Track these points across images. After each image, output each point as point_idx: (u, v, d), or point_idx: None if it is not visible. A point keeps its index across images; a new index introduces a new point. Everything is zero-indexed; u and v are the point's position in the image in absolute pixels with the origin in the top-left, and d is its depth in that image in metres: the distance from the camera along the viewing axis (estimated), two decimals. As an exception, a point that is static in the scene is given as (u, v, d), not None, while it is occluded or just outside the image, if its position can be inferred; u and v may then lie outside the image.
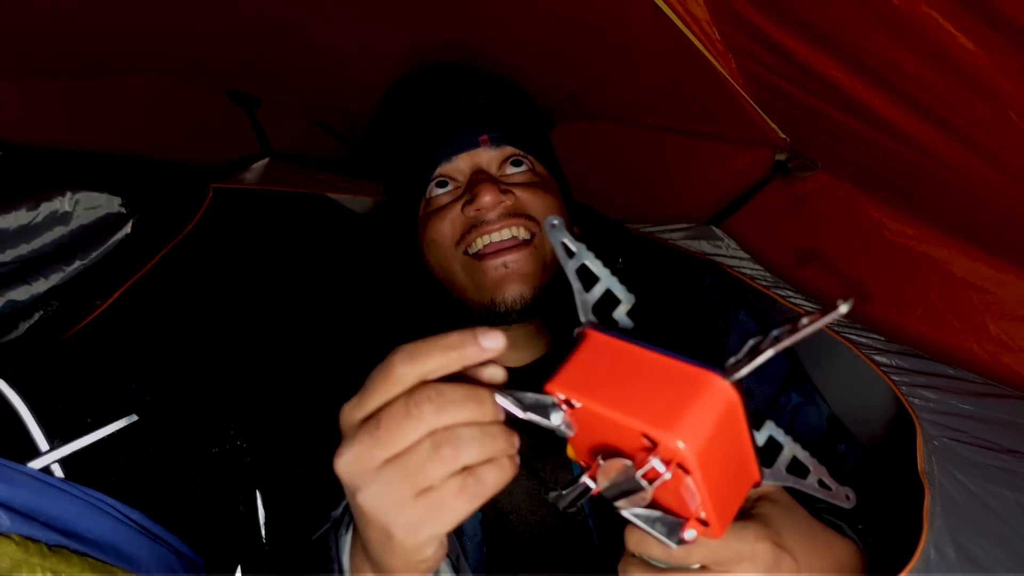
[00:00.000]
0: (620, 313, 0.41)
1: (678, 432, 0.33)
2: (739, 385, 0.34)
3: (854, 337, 0.76)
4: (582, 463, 0.41)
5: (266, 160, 1.25)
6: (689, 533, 0.36)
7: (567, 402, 0.38)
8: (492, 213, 0.72)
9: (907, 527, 0.52)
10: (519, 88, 0.97)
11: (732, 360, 0.35)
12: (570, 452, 0.42)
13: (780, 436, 0.39)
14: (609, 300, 0.41)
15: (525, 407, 0.38)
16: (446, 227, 0.74)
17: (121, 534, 0.53)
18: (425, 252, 0.78)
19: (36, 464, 0.55)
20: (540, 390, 0.76)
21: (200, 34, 0.94)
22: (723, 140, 0.91)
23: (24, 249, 0.84)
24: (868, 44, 0.50)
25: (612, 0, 0.73)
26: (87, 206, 0.91)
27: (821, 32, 0.54)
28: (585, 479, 0.38)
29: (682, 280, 0.83)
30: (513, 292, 0.71)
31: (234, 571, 0.75)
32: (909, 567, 0.48)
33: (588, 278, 0.41)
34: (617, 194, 1.15)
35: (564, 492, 0.40)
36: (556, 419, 0.38)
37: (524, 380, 0.78)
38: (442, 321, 0.79)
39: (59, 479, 0.53)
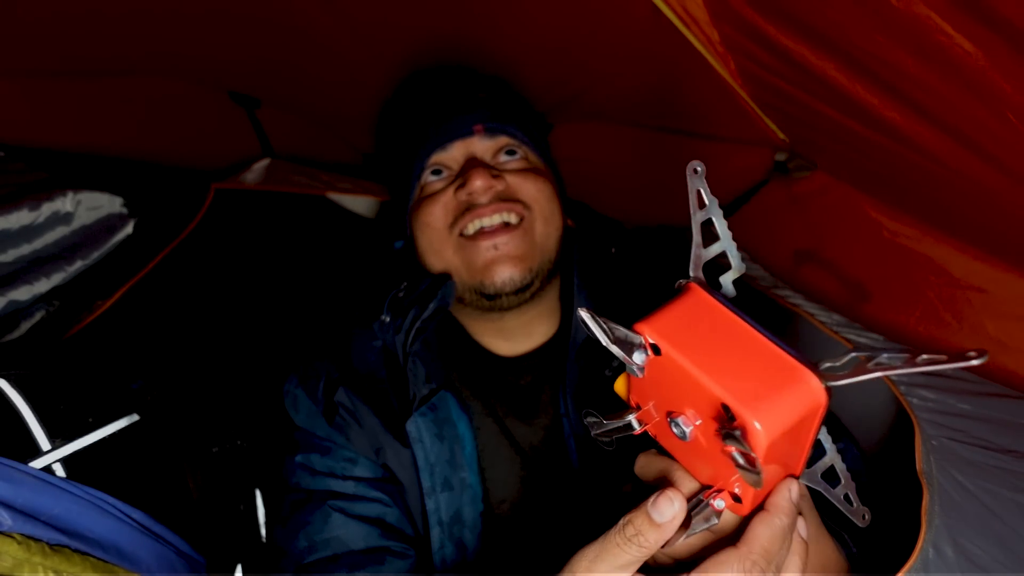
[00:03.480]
0: (727, 279, 0.40)
1: (761, 416, 0.33)
2: (830, 391, 0.34)
3: (853, 337, 0.76)
4: (632, 404, 0.41)
5: (267, 160, 1.25)
6: (719, 503, 0.37)
7: (653, 347, 0.37)
8: (483, 197, 0.73)
9: (906, 527, 0.52)
10: (514, 89, 0.97)
11: (828, 364, 0.35)
12: (620, 388, 0.42)
13: (827, 444, 0.39)
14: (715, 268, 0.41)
15: (613, 338, 0.37)
16: (438, 210, 0.75)
17: (122, 533, 0.54)
18: (417, 238, 0.78)
19: (37, 463, 0.55)
20: (542, 376, 0.77)
21: (201, 35, 0.94)
22: (723, 140, 0.91)
23: (26, 249, 0.84)
24: (867, 45, 0.51)
25: (612, 1, 0.73)
26: (89, 206, 0.92)
27: (820, 33, 0.54)
28: (632, 418, 0.39)
29: (675, 273, 0.83)
30: (503, 274, 0.71)
31: (234, 570, 0.75)
32: (907, 566, 0.48)
33: (708, 236, 0.40)
34: (617, 194, 1.15)
35: (605, 421, 0.40)
36: (639, 359, 0.37)
37: (517, 370, 0.79)
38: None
39: (60, 478, 0.53)
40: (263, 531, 0.81)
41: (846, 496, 0.39)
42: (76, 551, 0.48)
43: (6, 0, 0.75)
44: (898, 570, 0.49)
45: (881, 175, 0.72)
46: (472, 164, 0.74)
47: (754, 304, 0.85)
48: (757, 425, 0.32)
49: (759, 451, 0.33)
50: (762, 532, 0.36)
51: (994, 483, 0.55)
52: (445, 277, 0.76)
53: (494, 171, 0.75)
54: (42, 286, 0.83)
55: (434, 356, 0.75)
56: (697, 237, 0.40)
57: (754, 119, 0.78)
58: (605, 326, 0.37)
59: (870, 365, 0.34)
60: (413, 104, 0.90)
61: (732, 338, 0.36)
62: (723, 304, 0.37)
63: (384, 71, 1.05)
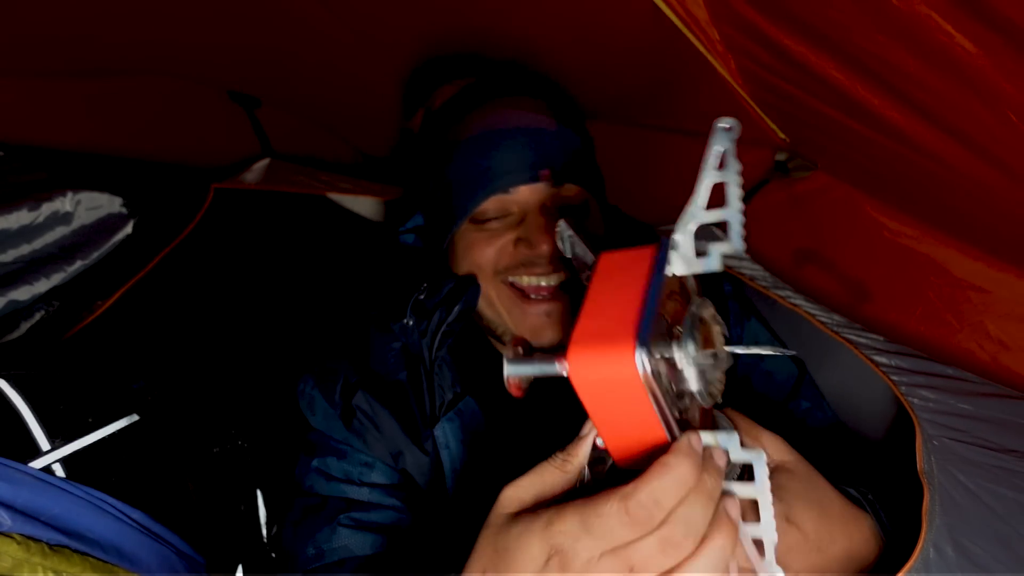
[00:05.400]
0: (715, 250, 0.37)
1: (571, 361, 0.36)
2: (654, 365, 0.34)
3: (854, 337, 0.76)
4: None
5: (267, 160, 1.25)
6: (600, 440, 0.40)
7: None
8: (545, 258, 0.70)
9: (907, 527, 0.52)
10: (568, 94, 0.87)
11: (677, 353, 0.36)
12: None
13: (765, 513, 0.37)
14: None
15: (573, 253, 0.43)
16: (491, 253, 0.73)
17: (122, 533, 0.54)
18: (459, 266, 0.76)
19: (37, 464, 0.55)
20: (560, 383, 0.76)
21: (202, 34, 0.94)
22: (723, 140, 0.91)
23: (26, 249, 0.84)
24: (867, 44, 0.51)
25: (612, 1, 0.73)
26: (88, 206, 0.91)
27: (820, 32, 0.54)
28: None
29: (705, 286, 0.82)
30: (550, 337, 0.72)
31: (235, 570, 0.75)
32: (908, 566, 0.48)
33: (717, 200, 0.38)
34: (617, 194, 1.15)
35: None
36: (586, 279, 0.42)
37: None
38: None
39: (60, 479, 0.53)
40: (264, 531, 0.81)
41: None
42: (76, 551, 0.48)
43: (6, 1, 0.75)
44: (898, 570, 0.49)
45: (882, 175, 0.72)
46: (537, 223, 0.71)
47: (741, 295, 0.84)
48: (564, 362, 0.36)
49: (577, 392, 0.36)
50: (652, 474, 0.35)
51: (995, 483, 0.55)
52: (469, 280, 0.74)
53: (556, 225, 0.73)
54: (42, 286, 0.83)
55: (458, 360, 0.74)
56: (702, 197, 0.37)
57: (754, 119, 0.78)
58: (575, 239, 0.42)
59: (686, 380, 0.36)
60: (469, 111, 0.79)
61: (627, 294, 0.38)
62: (654, 265, 0.39)
63: (385, 71, 1.05)
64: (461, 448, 0.70)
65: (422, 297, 0.75)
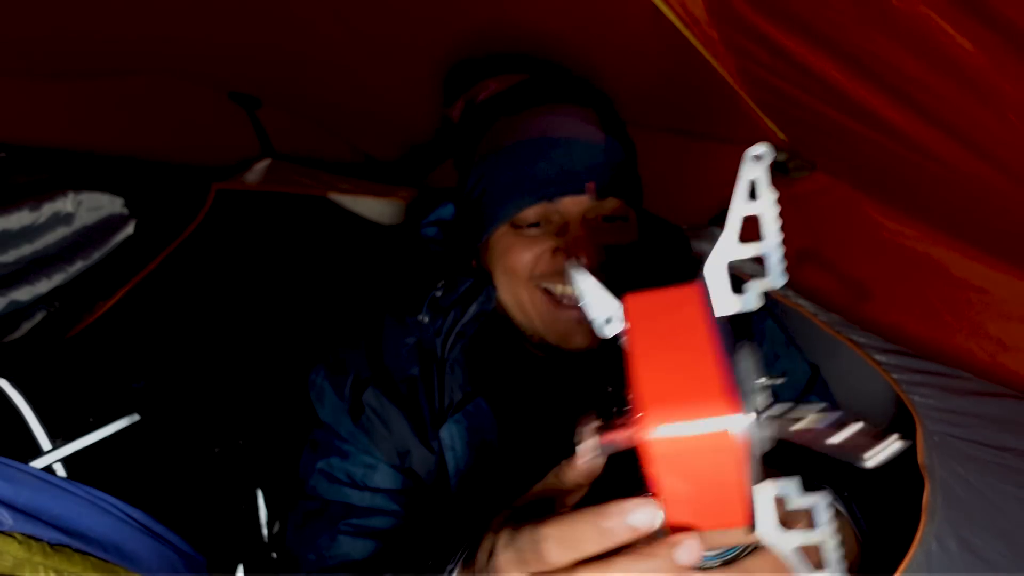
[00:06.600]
0: (755, 287, 0.35)
1: (655, 424, 0.31)
2: (754, 437, 0.32)
3: (854, 337, 0.76)
4: None
5: (268, 160, 1.25)
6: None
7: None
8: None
9: (908, 523, 0.52)
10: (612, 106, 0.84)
11: (771, 412, 0.32)
12: None
13: (822, 518, 0.33)
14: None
15: (587, 301, 0.37)
16: (528, 259, 0.72)
17: (123, 533, 0.54)
18: (493, 269, 0.76)
19: (38, 463, 0.56)
20: (580, 381, 0.74)
21: (203, 35, 0.94)
22: (723, 140, 0.92)
23: (27, 249, 0.84)
24: (867, 45, 0.51)
25: (612, 2, 0.73)
26: (90, 207, 0.92)
27: (820, 33, 0.54)
28: None
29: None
30: (580, 342, 0.72)
31: (235, 570, 0.75)
32: (908, 558, 0.48)
33: (750, 231, 0.35)
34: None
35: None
36: (612, 328, 0.37)
37: (556, 373, 0.76)
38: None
39: (61, 478, 0.53)
40: (264, 531, 0.81)
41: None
42: (77, 551, 0.48)
43: (7, 1, 0.75)
44: (897, 566, 0.49)
45: (881, 175, 0.72)
46: (579, 237, 0.70)
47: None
48: (649, 432, 0.31)
49: (649, 458, 0.32)
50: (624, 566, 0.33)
51: (996, 478, 0.55)
52: (485, 280, 0.74)
53: (596, 239, 0.71)
54: (43, 286, 0.83)
55: (472, 360, 0.74)
56: (734, 227, 0.35)
57: (754, 119, 0.78)
58: (584, 282, 0.37)
59: (795, 428, 0.31)
60: (517, 113, 0.78)
61: (691, 344, 0.33)
62: (707, 311, 0.34)
63: (389, 74, 1.06)
64: (467, 451, 0.69)
65: (438, 295, 0.75)
